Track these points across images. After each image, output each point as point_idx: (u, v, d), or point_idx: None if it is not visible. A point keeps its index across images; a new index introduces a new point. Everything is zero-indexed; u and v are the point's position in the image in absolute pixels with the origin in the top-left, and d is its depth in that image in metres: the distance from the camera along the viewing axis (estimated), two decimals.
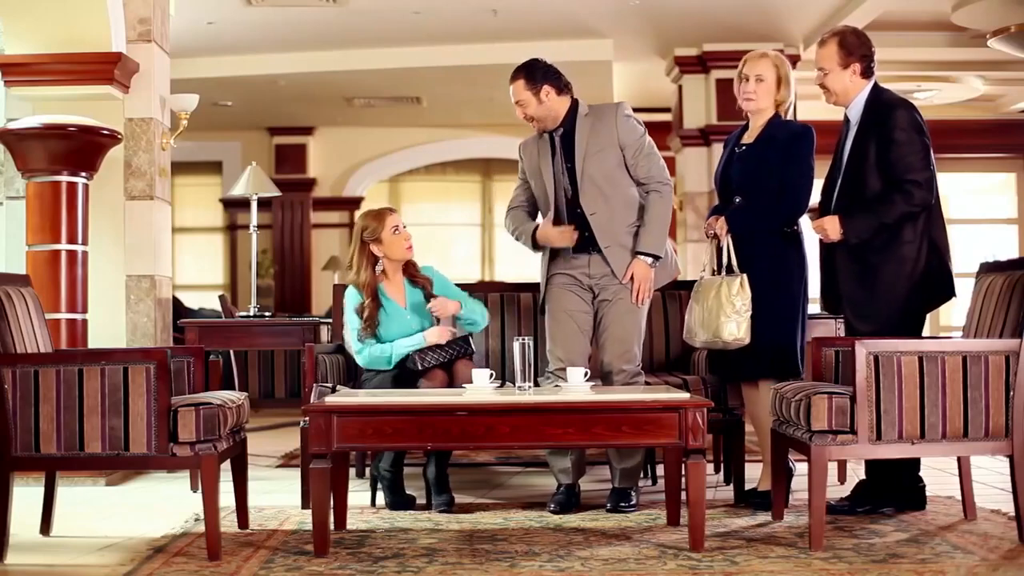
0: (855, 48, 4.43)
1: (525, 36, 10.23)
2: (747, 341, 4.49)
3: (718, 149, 10.41)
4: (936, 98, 12.05)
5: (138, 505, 4.96)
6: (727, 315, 4.48)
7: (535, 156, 4.76)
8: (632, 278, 4.61)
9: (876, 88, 4.47)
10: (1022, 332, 3.84)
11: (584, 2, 9.27)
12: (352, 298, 4.81)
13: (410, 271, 4.87)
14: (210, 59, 10.59)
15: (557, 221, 4.73)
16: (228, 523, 4.24)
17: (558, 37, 10.22)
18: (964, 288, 4.32)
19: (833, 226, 4.34)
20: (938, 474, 5.50)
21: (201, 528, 4.01)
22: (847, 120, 4.51)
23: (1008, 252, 12.94)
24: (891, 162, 4.29)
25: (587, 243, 4.66)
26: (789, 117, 4.73)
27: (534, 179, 4.79)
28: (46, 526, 4.18)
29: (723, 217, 4.61)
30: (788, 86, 4.69)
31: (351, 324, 4.81)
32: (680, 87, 10.78)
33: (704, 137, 10.55)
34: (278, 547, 3.90)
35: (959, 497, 4.39)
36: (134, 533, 4.17)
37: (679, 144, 10.83)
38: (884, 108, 4.36)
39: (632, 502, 4.57)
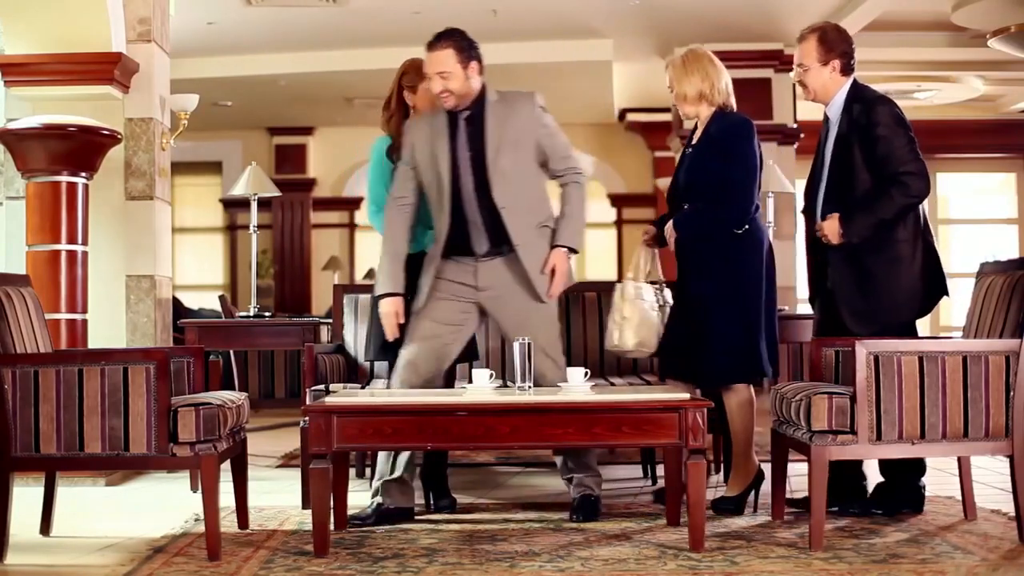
0: (835, 44, 4.39)
1: (525, 36, 10.23)
2: (650, 348, 4.55)
3: None
4: (936, 98, 12.05)
5: (138, 505, 4.96)
6: (614, 322, 4.57)
7: (428, 138, 4.39)
8: (552, 271, 4.39)
9: (855, 85, 4.41)
10: (1022, 332, 3.84)
11: (584, 2, 9.27)
12: (380, 142, 4.72)
13: None
14: (210, 59, 10.59)
15: (456, 214, 4.34)
16: (228, 523, 4.24)
17: (558, 37, 10.23)
18: (964, 288, 4.33)
19: (832, 228, 4.31)
20: (938, 474, 5.51)
21: (201, 528, 4.01)
22: (827, 119, 4.46)
23: (1008, 252, 12.94)
24: (880, 158, 4.26)
25: (471, 247, 4.37)
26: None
27: (426, 165, 4.39)
28: (46, 526, 4.18)
29: (671, 224, 4.52)
30: (689, 76, 4.51)
31: (378, 177, 4.65)
32: None
33: None
34: (278, 547, 3.90)
35: (959, 497, 4.39)
36: (134, 533, 4.17)
37: (679, 144, 10.82)
38: (865, 105, 4.32)
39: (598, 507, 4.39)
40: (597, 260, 14.14)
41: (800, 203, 4.68)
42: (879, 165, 4.26)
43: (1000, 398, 3.82)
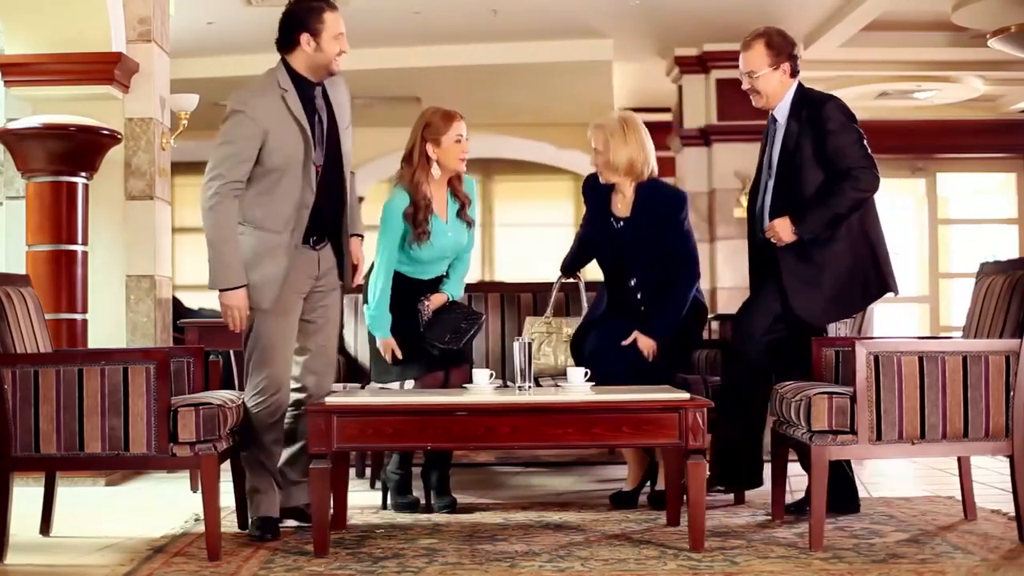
0: (783, 48, 4.38)
1: (525, 36, 10.23)
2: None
3: (718, 149, 10.43)
4: (936, 98, 12.04)
5: (138, 505, 4.96)
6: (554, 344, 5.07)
7: (280, 109, 3.98)
8: (356, 264, 4.28)
9: (801, 86, 4.42)
10: (1022, 332, 3.83)
11: (584, 2, 9.27)
12: (398, 200, 4.49)
13: (454, 184, 4.60)
14: (210, 59, 10.59)
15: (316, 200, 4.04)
16: (228, 523, 4.23)
17: (558, 37, 10.22)
18: (964, 288, 4.32)
19: (784, 227, 4.29)
20: (938, 474, 5.51)
21: (201, 528, 4.00)
22: (773, 120, 4.44)
23: (1008, 252, 12.93)
24: (831, 154, 4.26)
25: (324, 232, 4.14)
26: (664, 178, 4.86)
27: (282, 139, 3.96)
28: (46, 526, 4.18)
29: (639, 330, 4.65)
30: (625, 145, 4.67)
31: (391, 237, 4.48)
32: (680, 87, 10.78)
33: (704, 137, 10.54)
34: (278, 547, 3.90)
35: (959, 497, 4.39)
36: (134, 533, 4.17)
37: (679, 144, 10.83)
38: (813, 104, 4.33)
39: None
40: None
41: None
42: (830, 162, 4.26)
43: (1000, 398, 3.82)
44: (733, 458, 4.41)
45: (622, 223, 4.71)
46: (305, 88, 4.05)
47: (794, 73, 4.40)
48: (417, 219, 4.47)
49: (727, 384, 4.51)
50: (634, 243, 4.67)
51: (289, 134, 3.99)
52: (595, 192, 4.83)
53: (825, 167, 4.28)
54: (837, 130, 4.26)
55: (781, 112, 4.39)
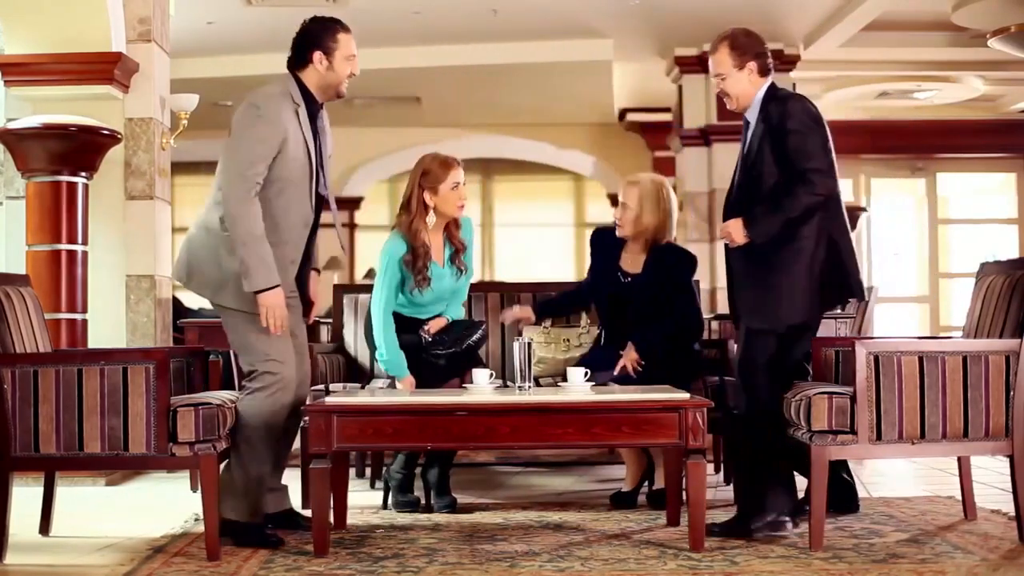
0: (748, 48, 4.28)
1: (525, 36, 10.22)
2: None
3: (719, 149, 10.41)
4: (936, 98, 12.04)
5: (138, 505, 4.96)
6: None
7: (294, 121, 4.02)
8: (312, 301, 4.31)
9: (772, 86, 4.29)
10: (1022, 332, 3.83)
11: (584, 2, 9.27)
12: (396, 247, 4.56)
13: (450, 229, 4.65)
14: (210, 59, 10.59)
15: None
16: None
17: (558, 37, 10.22)
18: (964, 288, 4.30)
19: (737, 229, 4.14)
20: (938, 474, 5.51)
21: (201, 528, 4.00)
22: (746, 123, 4.32)
23: (1008, 252, 12.93)
24: (789, 153, 4.10)
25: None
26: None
27: (295, 151, 4.00)
28: (45, 526, 4.18)
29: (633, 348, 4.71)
30: (656, 210, 4.78)
31: (389, 281, 4.54)
32: (680, 87, 10.77)
33: (704, 137, 10.54)
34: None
35: (959, 497, 4.39)
36: (134, 533, 4.17)
37: (679, 144, 10.82)
38: (778, 103, 4.19)
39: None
40: None
41: None
42: (787, 160, 4.11)
43: (1000, 398, 3.82)
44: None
45: (630, 279, 4.84)
46: (312, 108, 4.07)
47: (764, 72, 4.27)
48: (417, 266, 4.54)
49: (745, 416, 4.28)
50: (641, 300, 4.80)
51: (299, 149, 4.00)
52: (604, 246, 4.96)
53: (783, 166, 4.12)
54: (797, 129, 4.10)
55: (752, 113, 4.27)
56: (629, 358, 4.68)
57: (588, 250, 5.09)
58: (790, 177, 4.09)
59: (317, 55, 4.04)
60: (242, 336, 4.00)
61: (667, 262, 4.80)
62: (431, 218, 4.57)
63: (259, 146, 3.91)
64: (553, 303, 5.16)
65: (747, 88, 4.26)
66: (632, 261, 4.87)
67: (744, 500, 4.10)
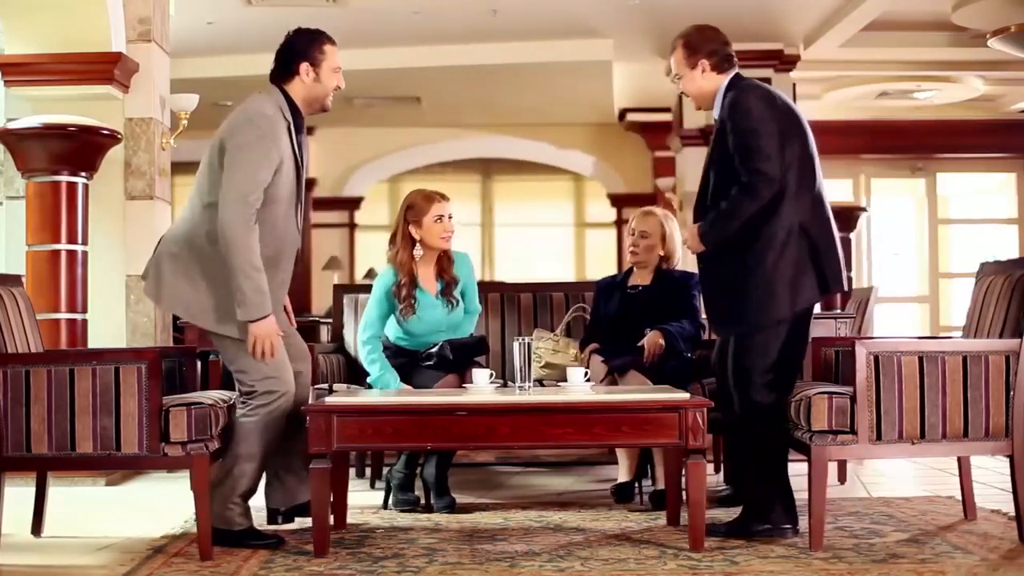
0: (699, 45, 4.15)
1: (525, 36, 10.22)
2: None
3: None
4: (936, 98, 12.05)
5: (138, 505, 4.95)
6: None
7: (287, 139, 3.93)
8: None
9: (733, 79, 4.10)
10: (1022, 332, 3.83)
11: (584, 2, 9.27)
12: (386, 278, 4.71)
13: (441, 263, 4.76)
14: (210, 59, 10.59)
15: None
16: None
17: (558, 37, 10.22)
18: (964, 288, 4.29)
19: (692, 236, 4.05)
20: (938, 474, 5.51)
21: None
22: (716, 122, 4.15)
23: (1008, 252, 12.93)
24: (737, 151, 3.93)
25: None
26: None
27: (287, 169, 3.92)
28: (37, 527, 4.17)
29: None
30: (672, 241, 4.99)
31: (372, 308, 4.70)
32: None
33: (704, 137, 10.53)
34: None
35: (959, 497, 4.39)
36: (133, 533, 4.17)
37: (679, 144, 10.83)
38: (732, 95, 4.03)
39: None
40: (597, 260, 14.17)
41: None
42: (737, 159, 3.93)
43: (1000, 398, 3.82)
44: None
45: (640, 288, 5.00)
46: (297, 121, 3.99)
47: (720, 68, 4.11)
48: (401, 295, 4.66)
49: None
50: (648, 305, 4.91)
51: (290, 166, 3.94)
52: (608, 286, 5.12)
53: (733, 166, 3.95)
54: (741, 126, 3.92)
55: (717, 111, 4.11)
56: (653, 342, 4.72)
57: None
58: (736, 178, 3.93)
59: (304, 67, 3.98)
60: (233, 357, 3.92)
61: (672, 276, 5.00)
62: (418, 251, 4.70)
63: (261, 171, 3.82)
64: (596, 337, 5.06)
65: (703, 86, 4.13)
66: (639, 279, 5.05)
67: (746, 505, 4.07)
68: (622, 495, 4.73)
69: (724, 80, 4.11)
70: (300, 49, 4.00)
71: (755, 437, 4.03)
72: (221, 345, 3.95)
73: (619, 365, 4.74)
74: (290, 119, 3.95)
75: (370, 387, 4.66)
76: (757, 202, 3.88)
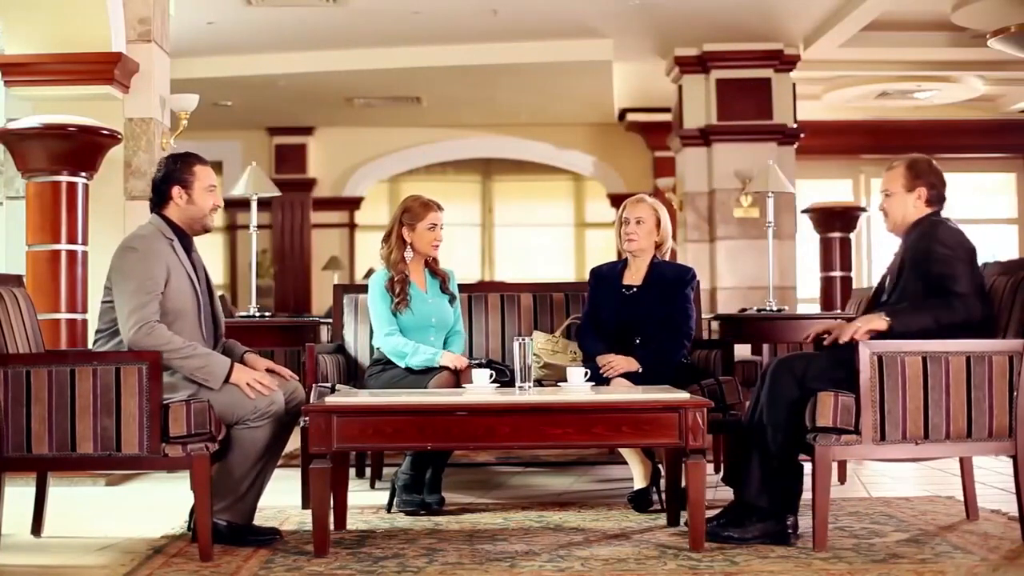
0: (924, 172, 4.38)
1: (525, 36, 10.23)
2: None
3: (718, 149, 10.43)
4: (936, 98, 12.06)
5: (139, 505, 4.95)
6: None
7: (172, 255, 3.98)
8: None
9: (931, 215, 4.35)
10: None
11: (584, 2, 9.27)
12: (379, 275, 4.91)
13: (431, 265, 4.99)
14: (210, 59, 10.59)
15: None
16: None
17: (558, 37, 10.23)
18: None
19: (870, 319, 3.94)
20: (939, 474, 5.51)
21: None
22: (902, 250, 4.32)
23: (1008, 252, 12.93)
24: (933, 277, 4.06)
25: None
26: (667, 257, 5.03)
27: (178, 282, 3.97)
28: (37, 527, 4.16)
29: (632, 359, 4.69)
30: (665, 228, 4.97)
31: (379, 308, 4.85)
32: (680, 87, 10.77)
33: (704, 137, 10.54)
34: (278, 547, 3.89)
35: (960, 497, 4.38)
36: (133, 533, 4.17)
37: (679, 144, 10.82)
38: (923, 227, 4.30)
39: None
40: (597, 260, 14.14)
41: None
42: (935, 284, 4.03)
43: (1003, 398, 3.82)
44: None
45: (634, 290, 4.91)
46: (185, 242, 4.06)
47: (930, 204, 4.36)
48: (395, 291, 4.85)
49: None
50: (643, 309, 4.86)
51: (182, 280, 3.99)
52: (602, 278, 5.04)
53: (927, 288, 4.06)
54: (942, 253, 4.13)
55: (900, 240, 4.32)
56: (621, 368, 4.65)
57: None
58: (938, 294, 3.99)
59: (176, 190, 4.04)
60: (217, 400, 3.88)
61: (667, 272, 4.94)
62: (408, 253, 4.89)
63: (148, 282, 3.87)
64: (594, 334, 5.00)
65: (909, 211, 4.29)
66: (636, 276, 4.96)
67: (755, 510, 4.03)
68: (640, 503, 4.59)
69: (925, 214, 4.31)
70: (170, 174, 4.07)
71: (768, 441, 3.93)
72: (206, 395, 3.90)
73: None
74: (173, 238, 4.02)
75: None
76: (962, 318, 3.92)
